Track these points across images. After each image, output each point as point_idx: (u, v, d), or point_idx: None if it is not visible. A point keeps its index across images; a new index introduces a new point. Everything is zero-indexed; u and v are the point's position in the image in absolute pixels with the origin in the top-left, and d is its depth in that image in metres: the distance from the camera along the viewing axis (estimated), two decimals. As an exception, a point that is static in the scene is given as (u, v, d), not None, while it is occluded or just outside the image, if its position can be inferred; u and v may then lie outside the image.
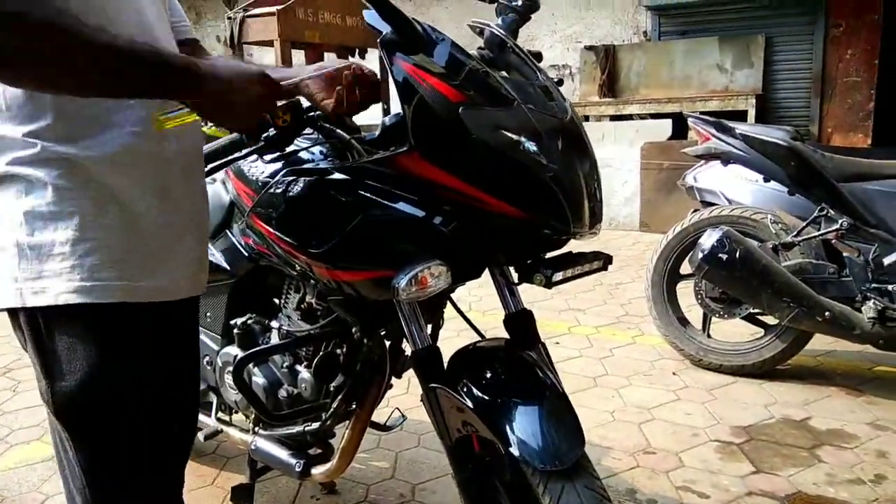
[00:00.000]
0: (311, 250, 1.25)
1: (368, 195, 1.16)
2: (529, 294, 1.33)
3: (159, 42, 1.00)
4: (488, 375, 1.19)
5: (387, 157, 1.12)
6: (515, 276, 1.26)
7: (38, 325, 0.94)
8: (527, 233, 1.12)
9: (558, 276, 1.17)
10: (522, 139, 1.05)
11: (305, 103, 1.46)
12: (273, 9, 5.38)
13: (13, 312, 0.96)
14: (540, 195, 1.06)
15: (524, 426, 1.10)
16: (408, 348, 1.34)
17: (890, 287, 2.44)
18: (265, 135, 1.12)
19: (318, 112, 1.42)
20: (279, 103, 1.09)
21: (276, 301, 1.68)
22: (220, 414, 1.89)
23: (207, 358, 1.82)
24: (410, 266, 1.08)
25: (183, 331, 1.09)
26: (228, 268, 1.67)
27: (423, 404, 1.26)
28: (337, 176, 1.24)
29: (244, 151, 1.13)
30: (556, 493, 1.06)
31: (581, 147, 1.15)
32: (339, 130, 1.31)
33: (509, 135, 1.05)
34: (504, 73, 1.21)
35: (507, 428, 1.10)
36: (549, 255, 1.23)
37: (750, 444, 2.30)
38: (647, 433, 2.40)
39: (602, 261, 1.25)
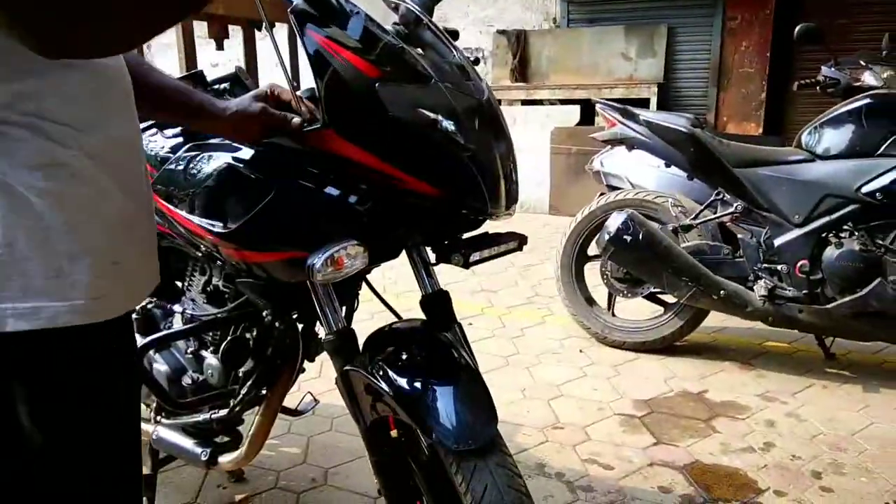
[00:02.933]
0: (219, 230, 1.19)
1: (280, 172, 1.11)
2: (443, 276, 1.32)
3: None
4: (403, 357, 1.18)
5: (300, 133, 1.07)
6: (433, 257, 1.25)
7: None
8: (444, 212, 1.11)
9: (475, 256, 1.17)
10: (440, 118, 1.03)
11: (210, 76, 1.40)
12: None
13: None
14: (457, 174, 1.05)
15: (438, 407, 1.10)
16: (321, 331, 1.31)
17: (779, 267, 2.61)
18: None
19: (224, 85, 1.35)
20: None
21: (179, 284, 1.60)
22: (118, 403, 1.79)
23: (104, 345, 1.71)
24: (325, 246, 1.05)
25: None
26: (126, 249, 1.57)
27: (338, 387, 1.23)
28: (246, 152, 1.18)
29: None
30: (468, 472, 1.07)
31: (498, 128, 1.14)
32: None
33: (427, 113, 1.02)
34: (419, 51, 1.18)
35: (422, 409, 1.09)
36: (465, 235, 1.23)
37: (651, 417, 2.41)
38: (556, 409, 2.47)
39: (518, 241, 1.25)
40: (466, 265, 1.17)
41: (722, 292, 2.67)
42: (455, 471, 1.08)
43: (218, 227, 1.19)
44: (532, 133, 6.37)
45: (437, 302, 1.31)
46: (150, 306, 1.64)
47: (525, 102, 6.78)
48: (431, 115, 1.03)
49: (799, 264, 2.54)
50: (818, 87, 2.86)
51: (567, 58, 6.84)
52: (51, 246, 0.77)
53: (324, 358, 1.57)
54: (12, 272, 0.76)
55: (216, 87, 1.29)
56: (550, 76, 6.91)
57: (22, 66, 0.74)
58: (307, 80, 1.19)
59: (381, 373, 1.14)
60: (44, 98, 0.77)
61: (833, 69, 2.80)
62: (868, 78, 2.68)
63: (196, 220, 1.23)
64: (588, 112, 6.25)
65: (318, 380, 2.60)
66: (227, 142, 1.23)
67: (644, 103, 6.19)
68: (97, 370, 0.86)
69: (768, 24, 6.17)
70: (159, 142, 1.41)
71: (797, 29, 2.71)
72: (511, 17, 7.22)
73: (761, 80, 6.29)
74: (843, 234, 2.47)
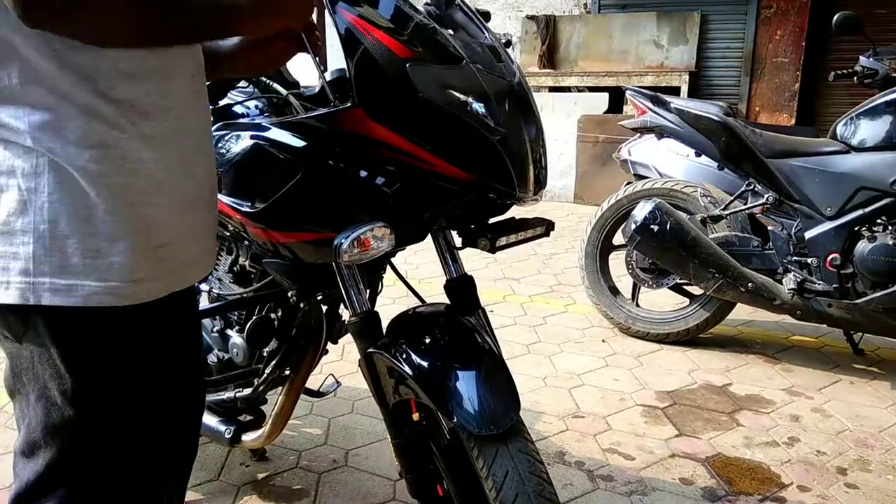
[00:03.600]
0: (246, 210, 1.19)
1: (308, 153, 1.11)
2: (465, 263, 1.32)
3: None
4: (427, 340, 1.18)
5: (329, 113, 1.07)
6: (458, 241, 1.25)
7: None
8: (472, 196, 1.10)
9: (502, 240, 1.16)
10: (470, 100, 1.02)
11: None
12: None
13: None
14: (486, 158, 1.04)
15: (461, 391, 1.10)
16: (345, 313, 1.31)
17: (809, 260, 2.56)
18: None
19: None
20: None
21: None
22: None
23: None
24: (352, 227, 1.05)
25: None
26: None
27: (361, 369, 1.24)
28: (275, 132, 1.18)
29: None
30: (490, 457, 1.07)
31: (528, 111, 1.13)
32: (276, 85, 1.25)
33: (457, 95, 1.01)
34: (451, 32, 1.17)
35: (444, 393, 1.09)
36: (492, 220, 1.22)
37: (674, 409, 2.39)
38: (577, 398, 2.46)
39: (545, 227, 1.24)
40: (493, 250, 1.16)
41: (750, 285, 2.62)
42: (476, 455, 1.07)
43: (245, 206, 1.19)
44: (559, 120, 6.31)
45: (461, 286, 1.30)
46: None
47: (553, 89, 6.71)
48: (462, 96, 1.02)
49: (830, 258, 2.49)
50: (855, 78, 2.79)
51: (597, 44, 6.75)
52: (92, 226, 0.78)
53: (346, 340, 1.58)
54: (53, 248, 0.77)
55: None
56: (579, 63, 6.83)
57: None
58: (333, 63, 1.19)
59: (404, 356, 1.14)
60: (102, 75, 0.77)
61: (871, 59, 2.73)
62: (908, 69, 2.60)
63: (224, 199, 1.24)
64: (616, 100, 6.17)
65: (340, 362, 2.62)
66: (256, 121, 1.23)
67: (675, 91, 6.10)
68: (134, 350, 0.86)
69: (804, 12, 6.03)
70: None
71: (836, 18, 2.64)
72: (540, 3, 7.15)
73: (795, 70, 6.16)
74: (876, 228, 2.41)
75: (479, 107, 1.02)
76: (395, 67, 0.99)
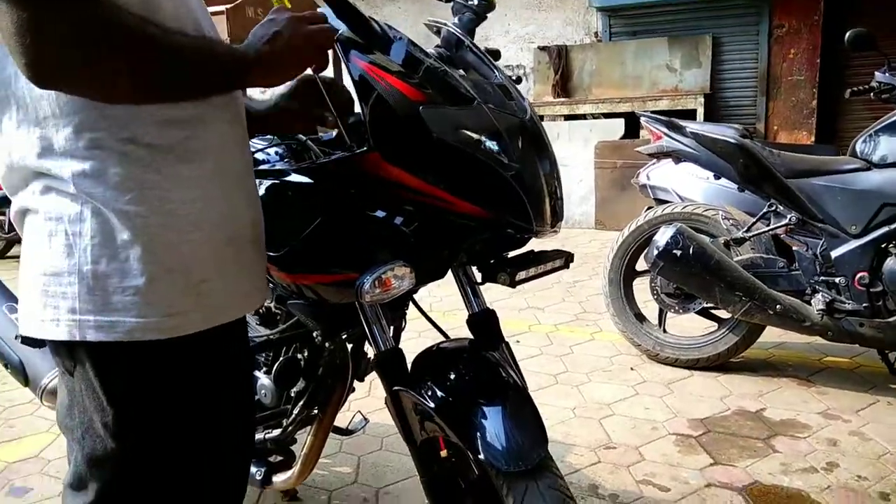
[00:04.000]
0: (270, 254, 1.22)
1: (328, 197, 1.14)
2: (489, 293, 1.33)
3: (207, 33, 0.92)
4: (451, 377, 1.18)
5: (346, 157, 1.10)
6: (478, 276, 1.26)
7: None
8: (489, 232, 1.11)
9: (521, 274, 1.17)
10: (483, 138, 1.04)
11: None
12: (222, 7, 5.27)
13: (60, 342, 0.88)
14: (502, 194, 1.05)
15: (487, 427, 1.09)
16: (370, 351, 1.32)
17: (837, 279, 2.52)
18: None
19: None
20: None
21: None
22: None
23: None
24: (373, 268, 1.06)
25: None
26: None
27: (387, 407, 1.24)
28: (294, 178, 1.21)
29: None
30: (519, 494, 1.06)
31: (541, 146, 1.15)
32: (294, 131, 1.29)
33: (470, 134, 1.03)
34: (462, 72, 1.20)
35: (471, 430, 1.09)
36: (511, 254, 1.23)
37: (707, 437, 2.34)
38: (608, 428, 2.43)
39: (563, 259, 1.25)
40: (513, 284, 1.17)
41: (778, 307, 2.59)
42: (506, 493, 1.07)
43: (269, 251, 1.22)
44: (576, 148, 6.35)
45: (483, 321, 1.31)
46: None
47: (568, 117, 6.76)
48: (475, 135, 1.04)
49: (858, 276, 2.45)
50: (872, 94, 2.77)
51: (610, 71, 6.81)
52: (131, 266, 0.83)
53: (373, 377, 1.58)
54: (96, 287, 0.82)
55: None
56: (593, 90, 6.89)
57: None
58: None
59: (429, 392, 1.15)
60: (139, 124, 0.82)
61: (887, 74, 2.71)
62: (925, 82, 2.59)
63: (248, 244, 1.27)
64: (632, 125, 6.19)
65: (367, 398, 2.62)
66: (276, 168, 1.26)
67: (690, 114, 6.11)
68: (175, 383, 0.91)
69: (816, 30, 6.04)
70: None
71: (847, 35, 2.63)
72: (552, 33, 7.24)
73: (812, 88, 6.14)
74: (904, 245, 2.38)
75: (492, 144, 1.04)
76: (409, 110, 1.02)
